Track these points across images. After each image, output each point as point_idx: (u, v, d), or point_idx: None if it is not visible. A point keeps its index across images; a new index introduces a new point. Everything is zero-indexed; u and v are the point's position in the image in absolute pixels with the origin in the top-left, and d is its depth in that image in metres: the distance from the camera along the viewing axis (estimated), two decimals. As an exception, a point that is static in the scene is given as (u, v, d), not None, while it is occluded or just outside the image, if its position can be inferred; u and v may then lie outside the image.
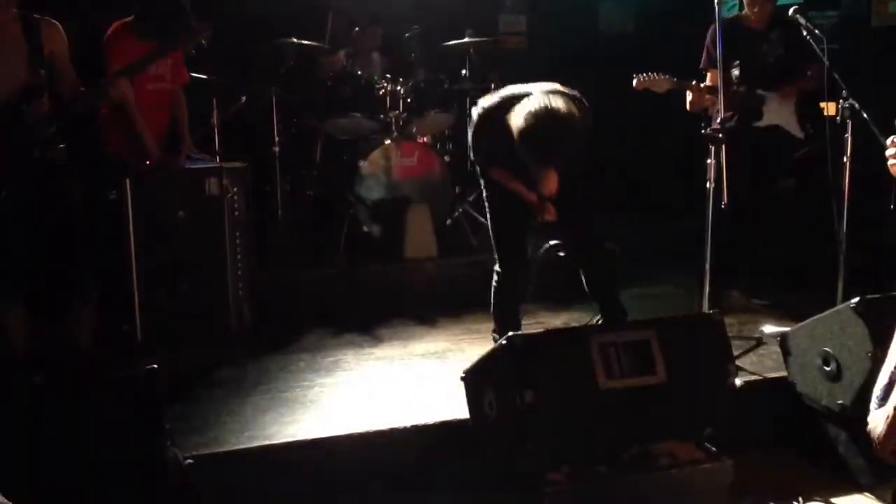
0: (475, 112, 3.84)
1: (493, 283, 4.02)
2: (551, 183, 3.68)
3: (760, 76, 4.56)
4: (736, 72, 4.26)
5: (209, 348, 4.23)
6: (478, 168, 4.00)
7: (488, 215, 4.03)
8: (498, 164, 3.82)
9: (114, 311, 4.42)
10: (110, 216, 4.27)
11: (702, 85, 4.52)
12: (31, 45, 3.58)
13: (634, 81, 4.40)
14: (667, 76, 4.41)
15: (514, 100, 3.58)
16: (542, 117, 3.38)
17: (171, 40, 4.05)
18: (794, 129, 4.68)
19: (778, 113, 4.64)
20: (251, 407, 3.55)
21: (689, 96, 4.58)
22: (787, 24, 4.60)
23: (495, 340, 4.05)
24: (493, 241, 4.01)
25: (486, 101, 3.81)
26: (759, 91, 4.59)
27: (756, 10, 4.57)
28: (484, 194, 4.02)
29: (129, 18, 4.34)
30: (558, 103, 3.42)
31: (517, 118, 3.44)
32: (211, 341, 4.29)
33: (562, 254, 4.60)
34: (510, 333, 3.00)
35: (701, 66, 4.72)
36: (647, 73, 4.39)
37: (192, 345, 4.21)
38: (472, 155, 3.93)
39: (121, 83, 3.84)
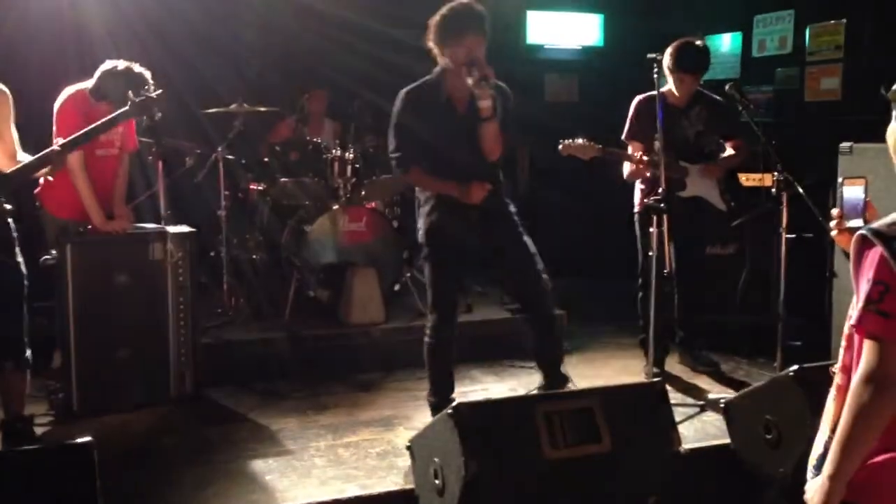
0: (398, 97, 3.93)
1: (426, 339, 4.04)
2: (478, 47, 3.76)
3: (681, 150, 4.69)
4: (657, 144, 4.38)
5: (149, 416, 4.14)
6: (418, 207, 4.06)
7: (424, 255, 4.03)
8: (422, 160, 3.88)
9: (50, 378, 4.32)
10: (49, 280, 4.18)
11: (640, 156, 4.58)
12: None
13: (560, 147, 4.46)
14: (592, 143, 4.48)
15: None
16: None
17: (128, 110, 4.02)
18: (717, 200, 4.81)
19: (700, 184, 4.77)
20: (191, 478, 3.46)
21: (626, 167, 4.68)
22: (706, 102, 4.78)
23: (431, 404, 4.04)
24: (427, 285, 4.04)
25: (406, 87, 3.94)
26: (682, 163, 4.72)
27: (679, 86, 4.73)
28: (420, 234, 4.04)
29: (84, 86, 4.30)
30: None
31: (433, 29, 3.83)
32: (151, 408, 4.20)
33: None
34: (455, 402, 2.99)
35: (623, 137, 4.81)
36: (572, 140, 4.46)
37: (132, 412, 4.12)
38: (395, 157, 3.94)
39: (70, 154, 3.84)
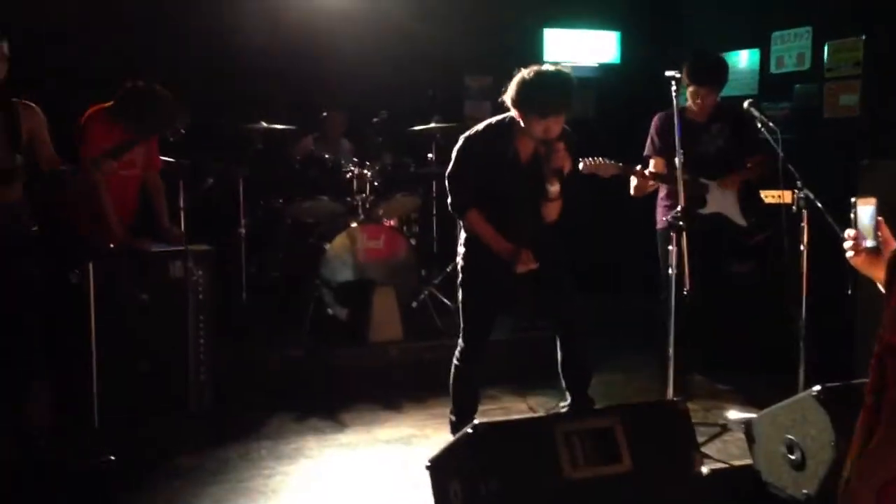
0: (461, 140, 3.81)
1: (454, 360, 4.01)
2: (556, 126, 3.63)
3: (702, 166, 4.68)
4: (679, 160, 4.38)
5: (168, 433, 4.15)
6: (460, 228, 3.98)
7: (461, 285, 3.95)
8: (479, 203, 3.78)
9: (71, 395, 4.34)
10: (72, 297, 4.21)
11: (647, 171, 4.60)
12: (8, 130, 3.60)
13: (581, 165, 4.47)
14: (612, 161, 4.49)
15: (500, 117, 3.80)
16: (548, 69, 3.66)
17: (151, 127, 4.07)
18: (737, 217, 4.80)
19: (721, 201, 4.76)
20: (209, 498, 3.46)
21: (633, 181, 4.67)
22: (727, 118, 4.78)
23: (452, 423, 4.02)
24: (460, 313, 3.97)
25: (470, 130, 3.83)
26: (702, 180, 4.70)
27: (699, 102, 4.72)
28: (459, 263, 3.97)
29: (108, 104, 4.37)
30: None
31: (516, 89, 3.61)
32: (171, 426, 4.21)
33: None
34: (475, 422, 2.97)
35: (645, 153, 4.83)
36: (593, 158, 4.47)
37: (151, 428, 4.13)
38: (451, 200, 3.85)
39: (107, 165, 3.89)
